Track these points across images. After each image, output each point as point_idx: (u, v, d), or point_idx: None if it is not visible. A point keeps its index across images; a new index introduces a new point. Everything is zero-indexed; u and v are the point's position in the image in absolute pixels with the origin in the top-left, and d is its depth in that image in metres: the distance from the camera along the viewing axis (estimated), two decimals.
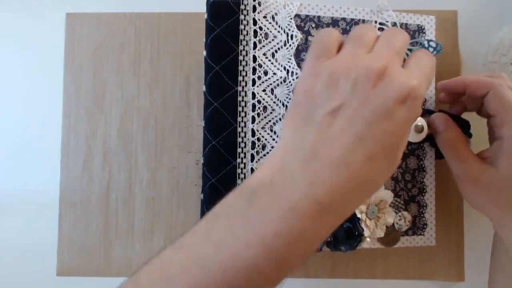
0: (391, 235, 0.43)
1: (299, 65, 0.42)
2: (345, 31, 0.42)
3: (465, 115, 0.44)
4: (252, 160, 0.40)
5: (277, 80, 0.41)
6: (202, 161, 0.40)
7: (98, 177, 0.51)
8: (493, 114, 0.38)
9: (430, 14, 0.45)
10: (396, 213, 0.43)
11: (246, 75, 0.41)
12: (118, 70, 0.52)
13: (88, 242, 0.51)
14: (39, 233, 0.52)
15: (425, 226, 0.44)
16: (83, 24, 0.52)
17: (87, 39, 0.52)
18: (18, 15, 0.54)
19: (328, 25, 0.42)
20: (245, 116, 0.40)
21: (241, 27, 0.41)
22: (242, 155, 0.40)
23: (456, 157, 0.39)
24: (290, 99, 0.41)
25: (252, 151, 0.40)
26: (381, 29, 0.43)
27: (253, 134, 0.41)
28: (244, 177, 0.40)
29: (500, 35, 0.51)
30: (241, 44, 0.41)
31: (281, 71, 0.41)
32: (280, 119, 0.41)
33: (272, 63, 0.41)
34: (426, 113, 0.43)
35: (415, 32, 0.44)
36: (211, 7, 0.40)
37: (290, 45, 0.42)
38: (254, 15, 0.41)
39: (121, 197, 0.51)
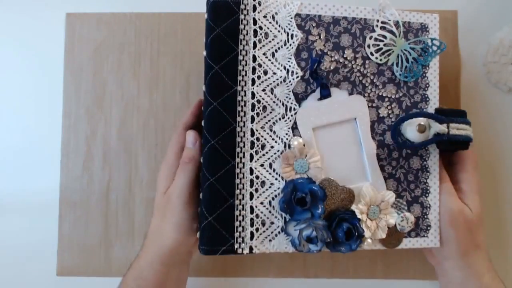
0: (393, 237, 0.43)
1: (299, 65, 0.41)
2: (346, 30, 0.42)
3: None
4: (251, 160, 0.40)
5: (277, 79, 0.41)
6: (201, 161, 0.40)
7: (98, 177, 0.51)
8: (456, 161, 0.45)
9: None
10: (398, 214, 0.43)
11: (245, 75, 0.40)
12: (118, 70, 0.52)
13: (88, 242, 0.51)
14: (39, 233, 0.52)
15: (428, 228, 0.44)
16: (83, 24, 0.52)
17: (87, 39, 0.52)
18: (18, 15, 0.54)
19: (329, 24, 0.42)
20: (244, 115, 0.40)
21: (241, 26, 0.40)
22: (241, 154, 0.40)
23: (446, 192, 0.43)
24: (290, 98, 0.41)
25: (251, 151, 0.40)
26: (383, 28, 0.43)
27: (252, 134, 0.40)
28: (243, 177, 0.40)
29: (500, 35, 0.51)
30: (240, 44, 0.40)
31: (281, 70, 0.41)
32: (280, 119, 0.41)
33: (272, 63, 0.41)
34: (427, 116, 0.42)
35: (418, 31, 0.44)
36: (211, 7, 0.40)
37: (290, 45, 0.41)
38: (254, 15, 0.41)
39: (121, 197, 0.51)
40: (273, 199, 0.41)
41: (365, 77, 0.43)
